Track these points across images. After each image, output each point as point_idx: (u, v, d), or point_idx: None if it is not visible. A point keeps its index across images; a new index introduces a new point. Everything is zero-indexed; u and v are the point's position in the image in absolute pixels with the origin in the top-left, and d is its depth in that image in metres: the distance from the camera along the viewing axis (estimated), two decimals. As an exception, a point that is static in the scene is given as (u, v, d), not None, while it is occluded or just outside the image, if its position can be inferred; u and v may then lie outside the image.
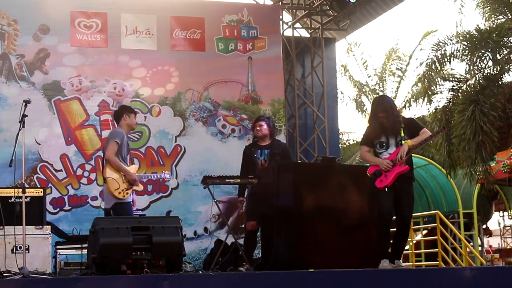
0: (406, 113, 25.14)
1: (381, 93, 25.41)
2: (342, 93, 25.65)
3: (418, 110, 28.82)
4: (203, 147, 13.83)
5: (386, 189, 8.22)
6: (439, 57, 13.43)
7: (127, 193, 9.38)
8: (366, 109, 25.71)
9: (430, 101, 13.62)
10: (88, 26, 13.52)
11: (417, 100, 24.38)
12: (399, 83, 26.04)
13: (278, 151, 10.02)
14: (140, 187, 9.72)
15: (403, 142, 8.29)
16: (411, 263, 14.70)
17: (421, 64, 13.98)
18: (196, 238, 13.43)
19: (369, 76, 26.49)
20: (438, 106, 13.67)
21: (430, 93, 13.62)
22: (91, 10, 13.55)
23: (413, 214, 15.78)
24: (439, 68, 13.48)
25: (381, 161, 8.32)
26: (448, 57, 13.33)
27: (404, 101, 25.39)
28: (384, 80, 26.09)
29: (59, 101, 13.22)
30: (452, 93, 13.56)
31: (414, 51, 25.37)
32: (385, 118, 8.35)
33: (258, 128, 10.08)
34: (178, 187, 13.61)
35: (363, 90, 26.27)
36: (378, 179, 8.31)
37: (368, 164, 8.54)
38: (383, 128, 8.40)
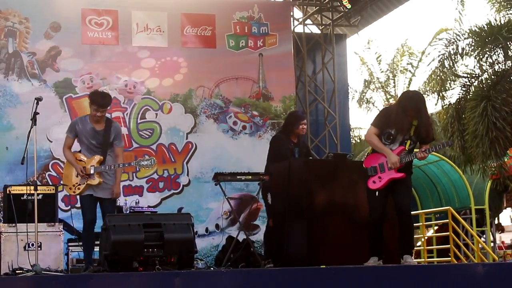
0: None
1: (392, 90, 25.36)
2: (353, 89, 25.61)
3: (429, 107, 28.67)
4: (214, 144, 13.85)
5: (377, 193, 7.99)
6: (451, 53, 13.38)
7: (79, 188, 8.78)
8: (377, 105, 25.70)
9: (443, 98, 13.56)
10: (99, 24, 13.55)
11: (428, 97, 24.29)
12: (411, 79, 25.97)
13: (305, 150, 10.00)
14: (95, 181, 8.70)
15: (407, 142, 8.00)
16: (423, 259, 14.67)
17: (433, 60, 13.91)
18: (208, 235, 13.45)
19: (381, 72, 26.42)
20: (450, 102, 13.63)
21: (442, 89, 13.56)
22: (102, 7, 13.60)
23: (425, 211, 15.88)
24: (451, 64, 13.43)
25: (390, 155, 7.96)
26: (460, 53, 13.28)
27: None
28: (395, 75, 26.01)
29: (70, 99, 13.26)
30: (464, 89, 13.51)
31: (426, 48, 25.27)
32: (413, 117, 8.00)
33: (305, 126, 9.93)
34: (189, 184, 13.63)
35: (372, 86, 26.19)
36: (372, 179, 8.06)
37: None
38: (404, 123, 8.03)
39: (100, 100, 8.87)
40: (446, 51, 13.44)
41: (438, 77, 13.46)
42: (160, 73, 13.81)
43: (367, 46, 26.26)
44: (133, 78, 13.61)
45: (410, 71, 26.09)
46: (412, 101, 8.05)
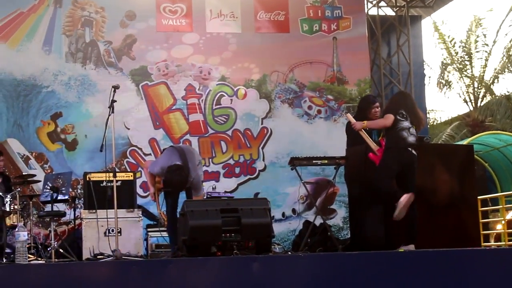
0: (495, 89, 24.63)
1: (469, 70, 24.88)
2: (430, 70, 25.17)
3: (506, 87, 28.02)
4: (289, 128, 13.83)
5: None
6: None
7: None
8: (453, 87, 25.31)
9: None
10: (173, 11, 13.65)
11: (504, 75, 23.84)
12: (487, 59, 25.39)
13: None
14: None
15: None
16: (504, 242, 14.42)
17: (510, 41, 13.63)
18: (285, 220, 13.47)
19: (456, 53, 25.91)
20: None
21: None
22: (176, -5, 13.70)
23: (505, 193, 15.57)
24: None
25: None
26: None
27: (492, 76, 24.78)
28: (471, 56, 25.47)
29: (146, 86, 13.41)
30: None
31: (501, 24, 24.65)
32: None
33: (377, 109, 9.49)
34: (265, 169, 13.66)
35: (449, 68, 25.70)
36: None
37: (457, 142, 8.33)
38: None
39: None
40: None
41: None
42: (236, 60, 13.84)
43: (438, 29, 25.72)
44: (208, 64, 13.66)
45: (485, 51, 25.51)
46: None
